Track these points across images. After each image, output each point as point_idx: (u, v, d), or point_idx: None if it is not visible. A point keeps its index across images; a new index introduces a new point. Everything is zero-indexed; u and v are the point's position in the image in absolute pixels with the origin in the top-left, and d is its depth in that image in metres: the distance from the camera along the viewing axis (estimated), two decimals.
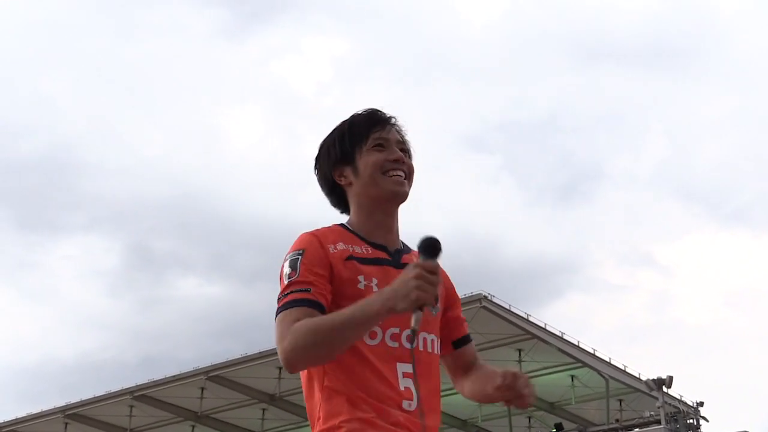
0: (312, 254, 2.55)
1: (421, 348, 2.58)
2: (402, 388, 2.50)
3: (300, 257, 2.55)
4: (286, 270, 2.54)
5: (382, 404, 2.45)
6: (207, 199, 73.72)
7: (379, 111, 2.76)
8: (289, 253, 2.58)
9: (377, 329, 2.50)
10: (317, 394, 2.52)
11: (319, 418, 2.50)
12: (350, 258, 2.57)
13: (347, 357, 2.48)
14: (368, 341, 2.50)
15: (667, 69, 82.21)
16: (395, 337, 2.53)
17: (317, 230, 2.64)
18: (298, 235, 2.62)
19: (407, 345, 2.53)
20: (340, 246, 2.59)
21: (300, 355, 2.41)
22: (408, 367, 2.51)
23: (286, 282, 2.52)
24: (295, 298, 2.48)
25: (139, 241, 75.75)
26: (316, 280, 2.51)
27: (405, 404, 2.49)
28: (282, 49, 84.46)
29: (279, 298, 2.52)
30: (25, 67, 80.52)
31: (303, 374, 2.58)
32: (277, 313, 2.50)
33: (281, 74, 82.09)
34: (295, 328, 2.41)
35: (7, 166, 74.91)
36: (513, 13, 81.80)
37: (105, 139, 74.37)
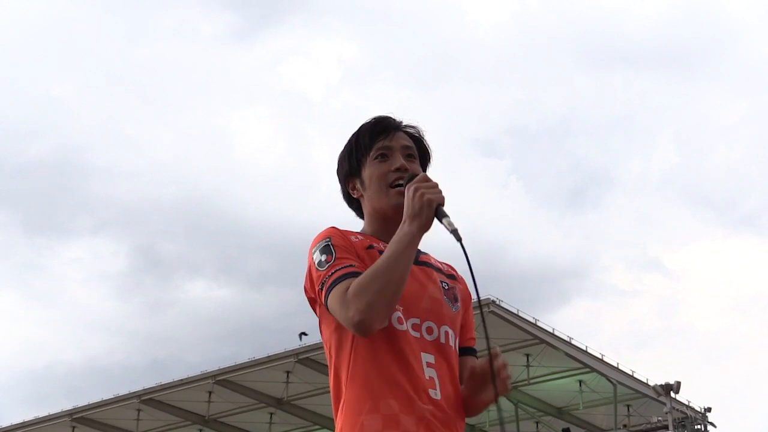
0: (340, 240, 2.58)
1: (443, 341, 2.59)
2: (427, 378, 2.50)
3: (330, 243, 2.57)
4: (320, 257, 2.55)
5: (407, 395, 2.44)
6: (215, 202, 73.87)
7: (384, 118, 2.75)
8: (314, 245, 2.59)
9: (401, 316, 2.52)
10: (342, 387, 2.52)
11: (341, 411, 2.50)
12: (371, 247, 2.61)
13: (373, 346, 2.49)
14: (396, 325, 2.51)
15: (678, 73, 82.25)
16: (416, 328, 2.55)
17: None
18: (317, 233, 2.63)
19: (427, 337, 2.56)
20: (360, 238, 2.64)
21: (373, 311, 2.38)
22: (431, 358, 2.54)
23: (324, 268, 2.52)
24: (343, 273, 2.48)
25: (147, 243, 76.04)
26: (355, 259, 2.54)
27: (431, 393, 2.48)
28: (291, 52, 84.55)
29: (324, 282, 2.50)
30: (34, 69, 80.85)
31: (330, 364, 2.58)
32: (328, 294, 2.48)
33: (290, 77, 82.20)
34: (350, 293, 2.41)
35: (14, 168, 75.11)
36: (522, 15, 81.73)
37: (113, 141, 74.52)
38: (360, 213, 2.79)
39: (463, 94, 79.48)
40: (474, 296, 2.68)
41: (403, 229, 2.46)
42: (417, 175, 2.55)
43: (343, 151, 2.78)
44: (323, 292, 2.50)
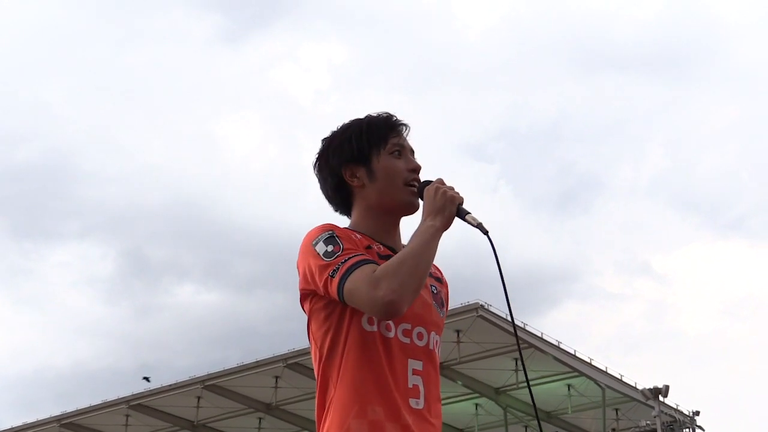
0: (343, 234, 2.54)
1: (431, 347, 2.58)
2: (410, 386, 2.49)
3: (335, 234, 2.51)
4: (326, 248, 2.48)
5: (394, 403, 2.43)
6: (204, 206, 73.76)
7: (395, 116, 2.70)
8: (313, 238, 2.52)
9: (390, 323, 2.49)
10: (331, 387, 2.50)
11: (329, 410, 2.48)
12: (369, 247, 2.56)
13: (364, 351, 2.46)
14: (384, 333, 2.49)
15: (669, 78, 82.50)
16: (407, 333, 2.53)
17: None
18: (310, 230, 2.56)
19: (418, 342, 2.54)
20: (359, 236, 2.58)
21: (404, 292, 2.35)
22: (419, 364, 2.52)
23: (333, 257, 2.45)
24: (361, 259, 2.44)
25: (135, 248, 75.79)
26: (363, 251, 2.50)
27: (412, 402, 2.47)
28: (280, 57, 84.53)
29: (337, 268, 2.43)
30: (22, 73, 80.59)
31: (318, 363, 2.54)
32: (345, 277, 2.41)
33: (279, 82, 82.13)
34: (380, 273, 2.37)
35: (2, 172, 74.85)
36: (512, 19, 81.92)
37: (102, 145, 74.41)
38: (341, 201, 2.71)
39: (453, 99, 79.57)
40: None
41: (426, 222, 2.48)
42: (431, 181, 2.59)
43: (344, 134, 2.68)
44: (335, 279, 2.42)
